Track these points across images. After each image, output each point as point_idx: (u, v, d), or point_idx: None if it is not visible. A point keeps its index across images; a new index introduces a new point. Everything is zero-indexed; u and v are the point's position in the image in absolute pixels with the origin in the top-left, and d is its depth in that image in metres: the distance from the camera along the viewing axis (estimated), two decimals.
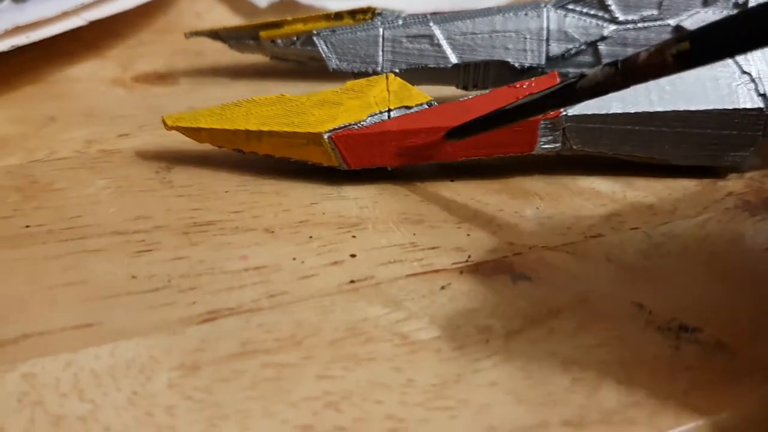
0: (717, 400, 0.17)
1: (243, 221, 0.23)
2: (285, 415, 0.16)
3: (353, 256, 0.22)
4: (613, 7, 0.28)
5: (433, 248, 0.22)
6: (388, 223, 0.23)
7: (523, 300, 0.20)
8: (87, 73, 0.32)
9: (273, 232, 0.23)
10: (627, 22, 0.28)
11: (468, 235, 0.23)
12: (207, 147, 0.26)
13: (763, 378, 0.18)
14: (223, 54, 0.34)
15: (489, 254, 0.22)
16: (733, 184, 0.25)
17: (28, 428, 0.16)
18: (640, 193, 0.25)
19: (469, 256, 0.22)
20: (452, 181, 0.25)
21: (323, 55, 0.29)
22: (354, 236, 0.22)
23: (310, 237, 0.22)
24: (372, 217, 0.23)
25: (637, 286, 0.21)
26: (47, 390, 0.17)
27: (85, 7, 0.31)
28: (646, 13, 0.28)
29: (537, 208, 0.24)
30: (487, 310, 0.20)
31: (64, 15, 0.30)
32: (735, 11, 0.27)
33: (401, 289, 0.20)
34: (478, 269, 0.21)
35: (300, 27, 0.30)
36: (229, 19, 0.38)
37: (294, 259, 0.21)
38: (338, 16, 0.30)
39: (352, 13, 0.30)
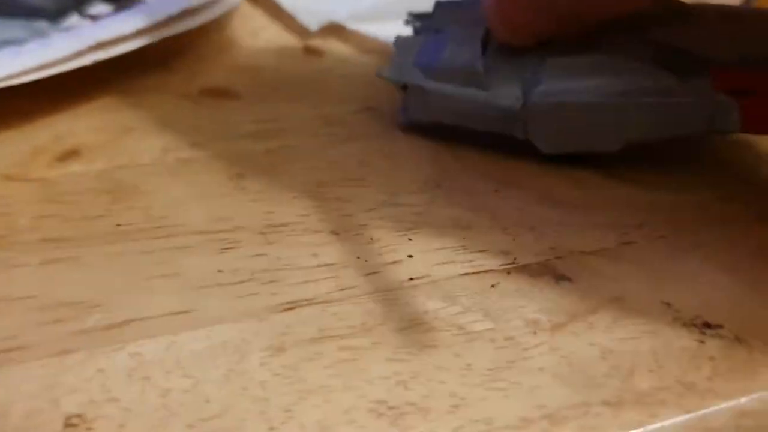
0: (737, 386, 0.20)
1: (311, 224, 0.26)
2: (362, 391, 0.19)
3: (410, 256, 0.24)
4: None
5: (481, 251, 0.25)
6: (440, 228, 0.26)
7: (565, 298, 0.23)
8: (156, 86, 0.35)
9: (338, 234, 0.25)
10: None
11: (513, 240, 0.25)
12: (273, 158, 0.28)
13: None
14: (278, 72, 0.36)
15: (533, 257, 0.24)
16: (752, 197, 0.28)
17: (140, 399, 0.19)
18: (666, 204, 0.27)
19: (515, 259, 0.24)
20: (497, 191, 0.28)
21: None
22: (410, 239, 0.25)
23: (371, 239, 0.25)
24: (425, 222, 0.26)
25: (665, 287, 0.23)
26: (153, 367, 0.20)
27: (158, 26, 0.34)
28: None
29: (575, 217, 0.27)
30: (533, 306, 0.22)
31: (140, 33, 0.33)
32: None
33: (455, 287, 0.23)
34: (524, 270, 0.24)
35: None
36: (282, 37, 0.41)
37: (358, 257, 0.24)
38: None
39: None
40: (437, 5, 0.32)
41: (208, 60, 0.38)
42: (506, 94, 0.28)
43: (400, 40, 0.31)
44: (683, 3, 0.30)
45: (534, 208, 0.27)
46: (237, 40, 0.40)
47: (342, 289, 0.23)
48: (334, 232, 0.25)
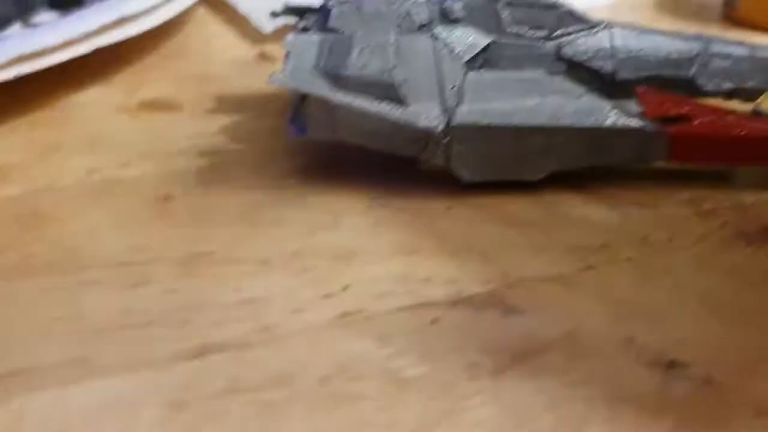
0: None
1: (239, 252, 0.23)
2: None
3: (346, 288, 0.22)
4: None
5: (425, 280, 0.22)
6: (383, 254, 0.23)
7: (513, 334, 0.20)
8: (93, 100, 0.32)
9: (268, 263, 0.23)
10: None
11: (461, 266, 0.23)
12: (207, 177, 0.26)
13: (752, 415, 0.18)
14: (227, 81, 0.34)
15: (482, 286, 0.22)
16: (730, 212, 0.25)
17: None
18: (635, 222, 0.25)
19: (461, 289, 0.22)
20: (449, 209, 0.25)
21: None
22: (348, 267, 0.23)
23: (304, 268, 0.22)
24: (367, 248, 0.23)
25: (628, 319, 0.21)
26: (35, 426, 0.17)
27: (91, 35, 0.31)
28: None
29: (532, 239, 0.24)
30: (475, 345, 0.20)
31: (71, 43, 0.30)
32: None
33: (391, 323, 0.21)
34: (469, 302, 0.21)
35: None
36: (236, 44, 0.39)
37: (287, 291, 0.22)
38: None
39: None
40: (328, 1, 0.29)
41: (154, 70, 0.35)
42: (425, 112, 0.25)
43: (293, 41, 0.27)
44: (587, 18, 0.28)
45: (487, 229, 0.24)
46: (188, 48, 0.38)
47: (262, 330, 0.20)
48: (264, 262, 0.23)
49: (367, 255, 0.23)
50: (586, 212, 0.25)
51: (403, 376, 0.19)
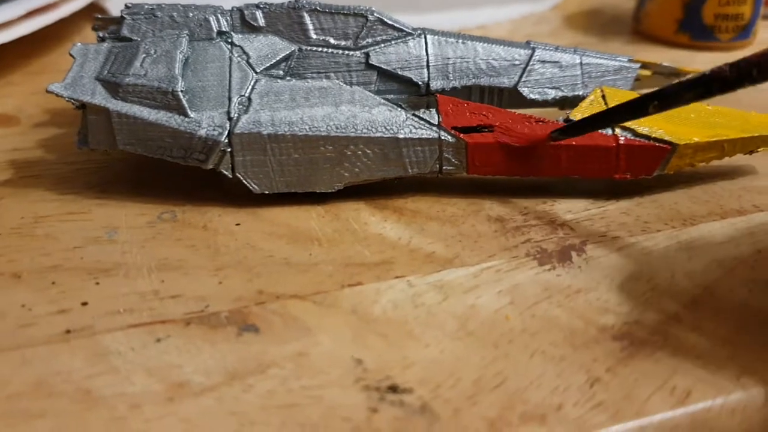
0: None
1: None
2: None
3: (84, 304, 0.21)
4: None
5: (174, 297, 0.21)
6: (143, 269, 0.22)
7: (237, 354, 0.19)
8: None
9: (20, 277, 0.22)
10: None
11: (220, 282, 0.21)
12: (4, 191, 0.25)
13: None
14: None
15: (230, 304, 0.21)
16: (537, 230, 0.24)
17: None
18: (426, 239, 0.23)
19: (207, 306, 0.20)
20: (238, 225, 0.24)
21: None
22: (98, 283, 0.21)
23: (53, 283, 0.21)
24: (130, 262, 0.22)
25: (367, 340, 0.19)
26: None
27: None
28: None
29: (310, 254, 0.23)
30: (192, 364, 0.19)
31: None
32: None
33: (115, 341, 0.19)
34: (207, 320, 0.20)
35: None
36: None
37: (23, 306, 0.20)
38: None
39: None
40: (127, 8, 0.27)
41: (12, 86, 0.34)
42: (208, 121, 0.24)
43: (79, 50, 0.26)
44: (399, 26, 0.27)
45: (267, 245, 0.23)
46: (56, 65, 0.37)
47: None
48: (16, 275, 0.22)
49: (126, 270, 0.22)
50: (380, 228, 0.24)
51: (100, 395, 0.18)
